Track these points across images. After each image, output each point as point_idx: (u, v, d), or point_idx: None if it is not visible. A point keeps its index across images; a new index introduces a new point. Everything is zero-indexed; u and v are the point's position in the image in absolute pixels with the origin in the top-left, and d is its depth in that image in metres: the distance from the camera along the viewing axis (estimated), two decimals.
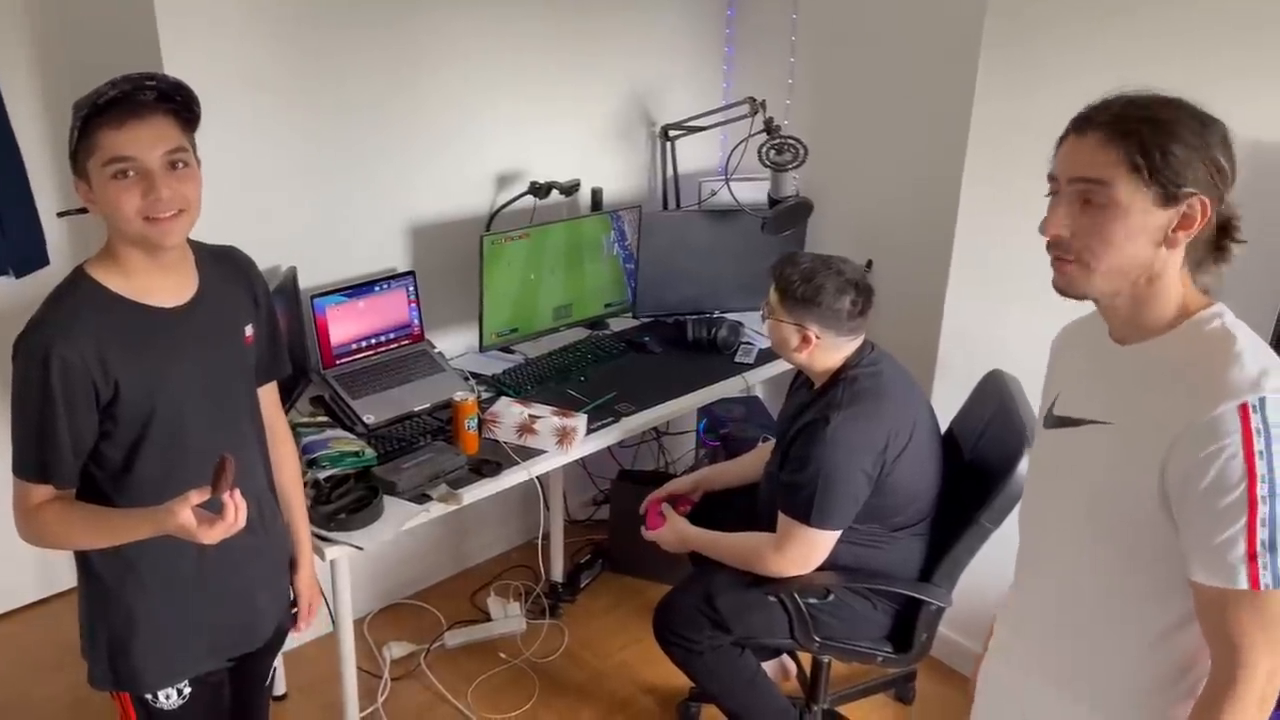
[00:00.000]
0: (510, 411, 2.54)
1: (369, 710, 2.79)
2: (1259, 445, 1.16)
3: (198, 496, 1.43)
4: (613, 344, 3.15)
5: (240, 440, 1.71)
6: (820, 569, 2.28)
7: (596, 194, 3.23)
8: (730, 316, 3.24)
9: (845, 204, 3.24)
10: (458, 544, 3.43)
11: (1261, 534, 1.16)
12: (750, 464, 2.69)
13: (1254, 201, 1.31)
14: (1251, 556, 1.17)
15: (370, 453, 2.39)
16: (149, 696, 1.70)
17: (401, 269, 2.90)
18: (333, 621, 2.34)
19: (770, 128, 3.06)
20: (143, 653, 1.67)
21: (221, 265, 1.72)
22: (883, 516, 2.28)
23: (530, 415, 2.53)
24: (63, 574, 3.15)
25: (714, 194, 3.39)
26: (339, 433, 2.46)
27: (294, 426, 2.28)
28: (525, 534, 3.55)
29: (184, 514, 1.42)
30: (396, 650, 3.02)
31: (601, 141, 3.30)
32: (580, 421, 2.55)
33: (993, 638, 1.60)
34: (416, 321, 2.89)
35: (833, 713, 2.72)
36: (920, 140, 2.98)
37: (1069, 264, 1.28)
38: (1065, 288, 1.30)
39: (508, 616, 3.18)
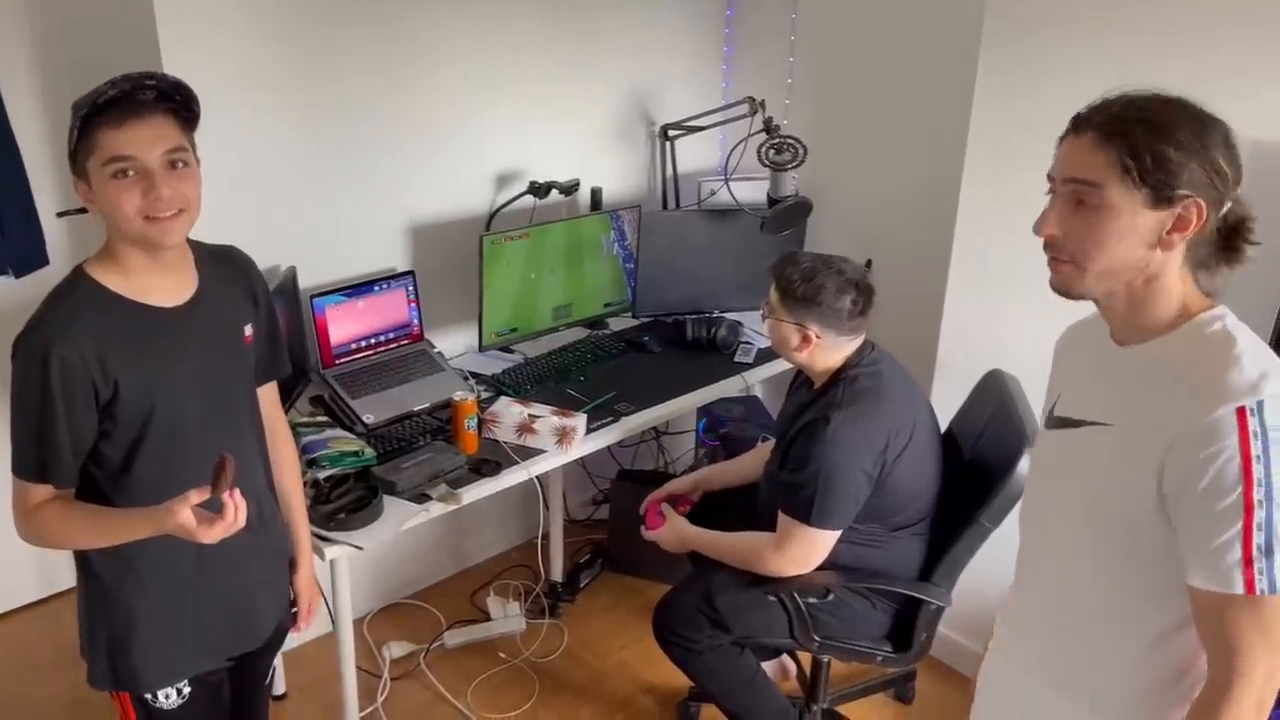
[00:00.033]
0: (510, 411, 2.54)
1: (369, 710, 2.79)
2: (1256, 449, 1.15)
3: (197, 496, 1.43)
4: (612, 344, 3.15)
5: (240, 440, 1.71)
6: (820, 568, 2.28)
7: (596, 194, 3.23)
8: (730, 316, 3.24)
9: (845, 204, 3.24)
10: (457, 544, 3.43)
11: (1258, 538, 1.16)
12: (750, 464, 2.69)
13: (1254, 201, 1.30)
14: (1248, 561, 1.16)
15: (370, 452, 2.39)
16: (148, 696, 1.70)
17: (401, 269, 2.90)
18: (332, 621, 2.34)
19: (769, 127, 3.06)
20: (142, 652, 1.67)
21: (221, 265, 1.72)
22: (883, 516, 2.28)
23: (530, 415, 2.53)
24: (62, 574, 3.15)
25: (713, 194, 3.39)
26: (338, 432, 2.46)
27: (293, 426, 2.28)
28: (525, 534, 3.55)
29: (184, 513, 1.42)
30: (396, 650, 3.02)
31: (601, 141, 3.30)
32: (580, 421, 2.55)
33: (993, 638, 1.60)
34: (416, 321, 2.89)
35: (832, 712, 2.72)
36: (920, 140, 2.98)
37: (1064, 264, 1.28)
38: (1061, 288, 1.30)
39: (507, 616, 3.18)
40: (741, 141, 3.13)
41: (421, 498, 2.30)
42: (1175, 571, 1.24)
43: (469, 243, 2.89)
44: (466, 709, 2.85)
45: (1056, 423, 1.43)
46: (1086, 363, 1.42)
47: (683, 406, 2.87)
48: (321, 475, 2.28)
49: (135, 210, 1.47)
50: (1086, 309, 1.38)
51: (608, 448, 2.88)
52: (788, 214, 3.08)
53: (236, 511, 1.45)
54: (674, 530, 2.51)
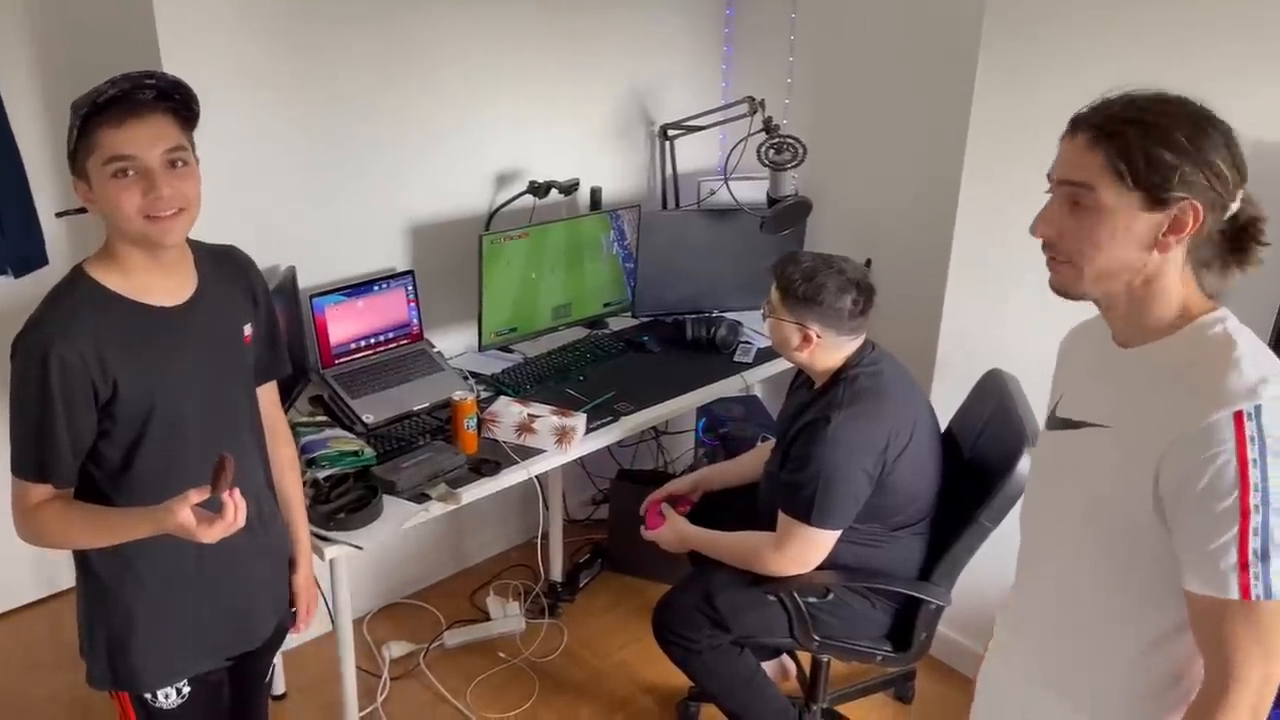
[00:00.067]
0: (509, 411, 2.54)
1: (368, 710, 2.79)
2: (1252, 454, 1.15)
3: (197, 495, 1.43)
4: (612, 343, 3.15)
5: (239, 440, 1.71)
6: (820, 568, 2.28)
7: (595, 193, 3.23)
8: (729, 316, 3.24)
9: (844, 203, 3.24)
10: (457, 543, 3.43)
11: (1254, 543, 1.15)
12: (749, 463, 2.69)
13: None
14: (1243, 566, 1.15)
15: (369, 452, 2.38)
16: (148, 696, 1.70)
17: (400, 268, 2.90)
18: (332, 621, 2.34)
19: (769, 127, 3.06)
20: (141, 652, 1.67)
21: (221, 265, 1.72)
22: (883, 516, 2.28)
23: (529, 415, 2.53)
24: (62, 573, 3.15)
25: (713, 193, 3.39)
26: (338, 432, 2.46)
27: (293, 426, 2.28)
28: (524, 533, 3.55)
29: (183, 513, 1.42)
30: (396, 650, 3.02)
31: (601, 141, 3.30)
32: (579, 421, 2.55)
33: (993, 638, 1.60)
34: (415, 321, 2.89)
35: (832, 712, 2.72)
36: (920, 139, 2.98)
37: (1062, 265, 1.28)
38: (1060, 288, 1.30)
39: (507, 616, 3.18)
40: (741, 141, 3.13)
41: (421, 497, 2.30)
42: (1173, 575, 1.23)
43: (468, 242, 2.89)
44: (466, 709, 2.85)
45: (1058, 423, 1.42)
46: (1089, 364, 1.42)
47: (682, 406, 2.87)
48: (321, 475, 2.28)
49: (136, 209, 1.47)
50: (1087, 309, 1.37)
51: (607, 447, 2.88)
52: (787, 214, 3.08)
53: (236, 511, 1.45)
54: (674, 530, 2.51)
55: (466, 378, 2.82)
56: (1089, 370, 1.41)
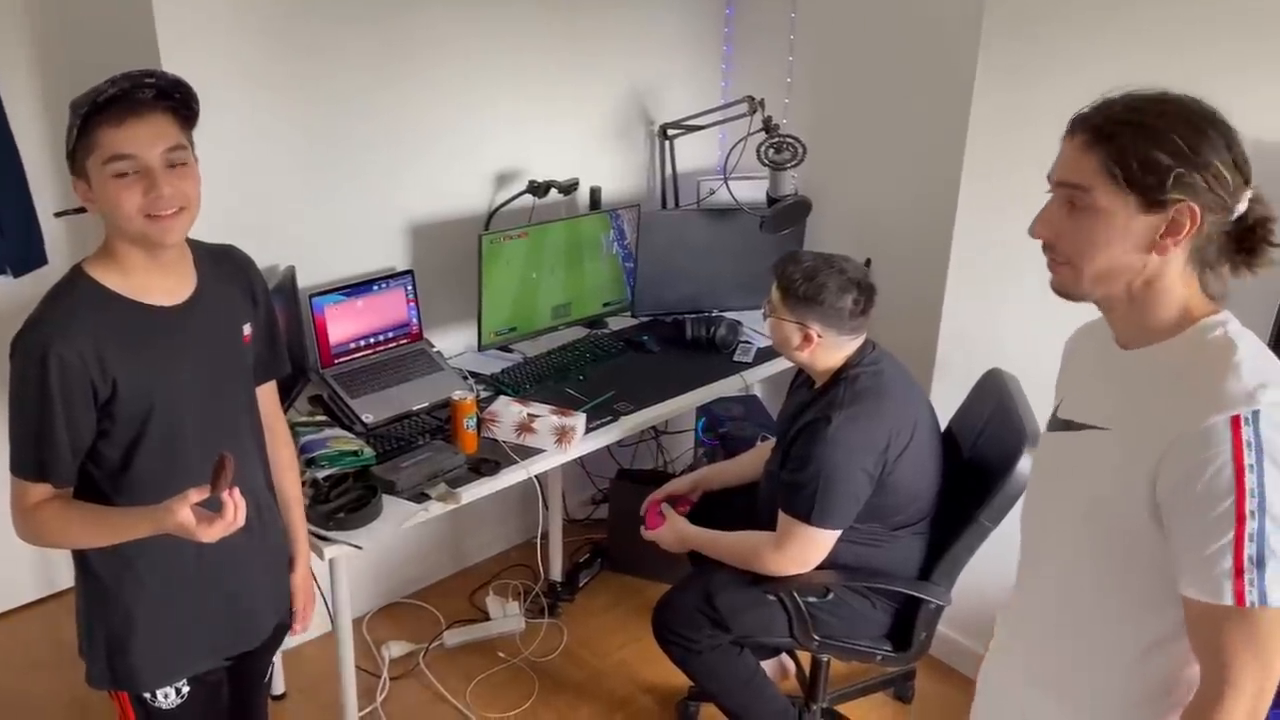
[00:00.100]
0: (509, 410, 2.54)
1: (368, 710, 2.79)
2: (1249, 459, 1.14)
3: (197, 495, 1.43)
4: (611, 343, 3.15)
5: (238, 439, 1.71)
6: (820, 568, 2.28)
7: (595, 193, 3.23)
8: (729, 315, 3.24)
9: (844, 202, 3.24)
10: (456, 543, 3.43)
11: (1249, 549, 1.14)
12: (749, 463, 2.69)
13: None
14: (1238, 572, 1.14)
15: (369, 452, 2.38)
16: (147, 695, 1.70)
17: (400, 268, 2.89)
18: (332, 621, 2.33)
19: (769, 126, 3.06)
20: (141, 651, 1.67)
21: (220, 264, 1.72)
22: (883, 515, 2.28)
23: (529, 414, 2.53)
24: (62, 573, 3.15)
25: (712, 193, 3.39)
26: (338, 432, 2.46)
27: (292, 425, 2.28)
28: (524, 533, 3.55)
29: (183, 512, 1.42)
30: (395, 649, 3.02)
31: (600, 140, 3.30)
32: (579, 420, 2.55)
33: (994, 638, 1.60)
34: (415, 320, 2.89)
35: (832, 711, 2.72)
36: (919, 139, 2.98)
37: (1061, 266, 1.28)
38: (1060, 289, 1.30)
39: (506, 616, 3.18)
40: (741, 140, 3.13)
41: (421, 497, 2.30)
42: (1171, 579, 1.22)
43: (468, 242, 2.89)
44: (466, 709, 2.85)
45: (1059, 425, 1.42)
46: (1091, 365, 1.41)
47: (682, 406, 2.87)
48: (320, 475, 2.28)
49: (136, 209, 1.47)
50: (1088, 309, 1.37)
51: (607, 447, 2.88)
52: (787, 213, 3.08)
53: (236, 510, 1.45)
54: (673, 530, 2.51)
55: (466, 377, 2.82)
56: (1091, 371, 1.41)
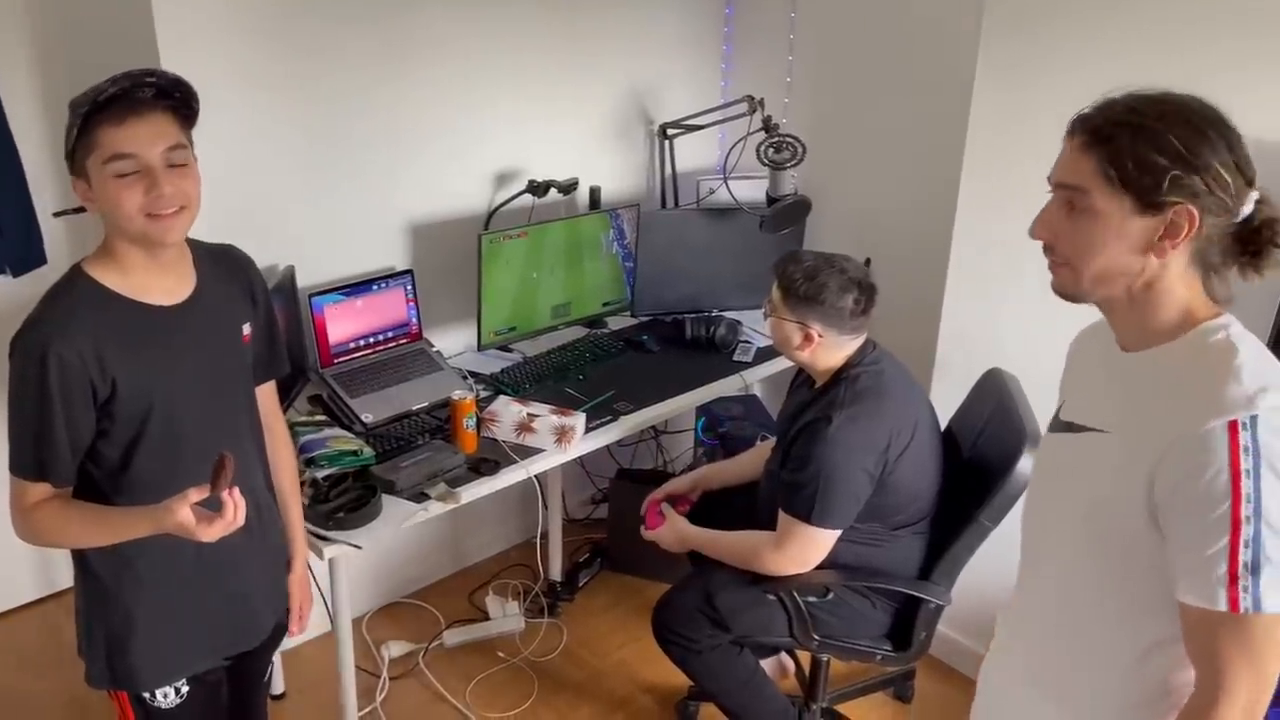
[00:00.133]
0: (509, 410, 2.54)
1: (367, 709, 2.79)
2: (1246, 464, 1.13)
3: (197, 494, 1.43)
4: (611, 343, 3.14)
5: (238, 439, 1.71)
6: (819, 567, 2.28)
7: (595, 192, 3.23)
8: (729, 315, 3.24)
9: (844, 202, 3.24)
10: (456, 543, 3.43)
11: (1244, 555, 1.13)
12: (749, 463, 2.69)
13: None
14: (1233, 578, 1.14)
15: (368, 451, 2.38)
16: (146, 695, 1.70)
17: (400, 268, 2.89)
18: (331, 621, 2.33)
19: (768, 126, 3.06)
20: (140, 651, 1.66)
21: (219, 264, 1.72)
22: (883, 515, 2.28)
23: (529, 414, 2.53)
24: (61, 573, 3.15)
25: (712, 192, 3.39)
26: (337, 431, 2.46)
27: (292, 425, 2.29)
28: (524, 533, 3.55)
29: (183, 512, 1.42)
30: (395, 649, 3.01)
31: (600, 140, 3.30)
32: (579, 420, 2.55)
33: (994, 638, 1.60)
34: (414, 320, 2.89)
35: (832, 711, 2.72)
36: (919, 138, 2.98)
37: (1061, 267, 1.28)
38: (1061, 291, 1.30)
39: (506, 615, 3.18)
40: (740, 140, 3.13)
41: (420, 497, 2.30)
42: (1169, 583, 1.22)
43: (467, 242, 2.89)
44: (465, 708, 2.85)
45: (1060, 426, 1.41)
46: (1093, 367, 1.41)
47: (681, 405, 2.86)
48: (320, 474, 2.28)
49: (137, 208, 1.47)
50: (1088, 309, 1.37)
51: (606, 447, 2.88)
52: (787, 213, 3.08)
53: (236, 510, 1.45)
54: (673, 529, 2.51)
55: (465, 377, 2.82)
56: (1093, 373, 1.40)
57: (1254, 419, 1.13)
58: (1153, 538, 1.22)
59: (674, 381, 2.90)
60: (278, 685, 2.84)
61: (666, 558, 2.61)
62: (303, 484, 2.17)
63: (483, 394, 2.73)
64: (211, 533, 1.44)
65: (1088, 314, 1.39)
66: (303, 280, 2.67)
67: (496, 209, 3.03)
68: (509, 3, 2.91)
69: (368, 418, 2.56)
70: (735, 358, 3.08)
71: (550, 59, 3.07)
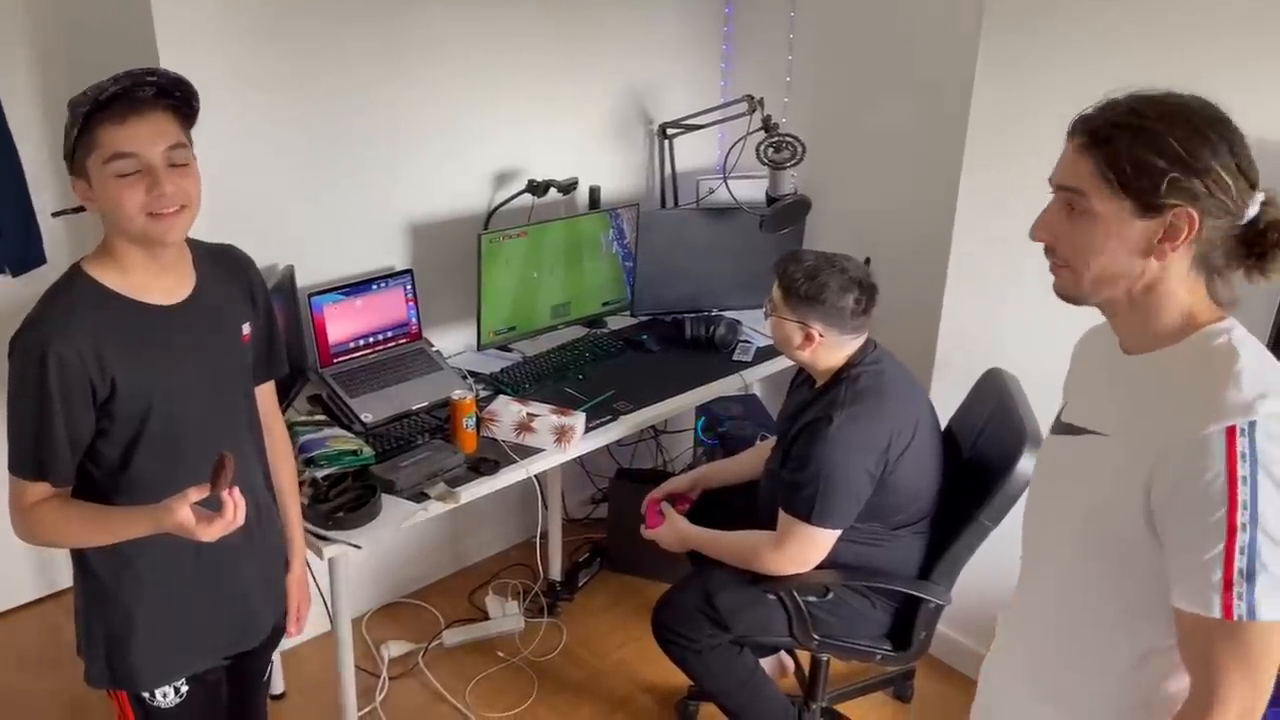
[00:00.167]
0: (508, 410, 2.54)
1: (367, 709, 2.79)
2: (1242, 471, 1.12)
3: (196, 494, 1.43)
4: (611, 342, 3.14)
5: (237, 438, 1.71)
6: (819, 567, 2.28)
7: (594, 192, 3.22)
8: (728, 314, 3.24)
9: (843, 201, 3.24)
10: (456, 543, 3.43)
11: (1239, 562, 1.12)
12: (748, 462, 2.69)
13: None
14: (1227, 585, 1.13)
15: (368, 451, 2.38)
16: (146, 695, 1.70)
17: (399, 267, 2.89)
18: (331, 621, 2.33)
19: (768, 125, 3.06)
20: (139, 651, 1.66)
21: (219, 263, 1.72)
22: (884, 515, 2.28)
23: (528, 414, 2.53)
24: (61, 573, 3.15)
25: (712, 192, 3.39)
26: (337, 431, 2.46)
27: (291, 425, 2.29)
28: (523, 532, 3.55)
29: (182, 511, 1.42)
30: (395, 649, 3.01)
31: (600, 140, 3.30)
32: (578, 420, 2.55)
33: (995, 638, 1.60)
34: (414, 320, 2.89)
35: (831, 711, 2.72)
36: (919, 137, 2.98)
37: (1061, 269, 1.27)
38: (1062, 293, 1.29)
39: (506, 615, 3.18)
40: (740, 140, 3.13)
41: (420, 496, 2.30)
42: (1165, 588, 1.21)
43: (467, 241, 2.89)
44: (465, 708, 2.85)
45: (1062, 428, 1.41)
46: (1096, 370, 1.40)
47: (681, 405, 2.86)
48: (320, 474, 2.27)
49: (139, 207, 1.47)
50: (1088, 309, 1.36)
51: (606, 446, 2.88)
52: (786, 212, 3.08)
53: (236, 509, 1.45)
54: (673, 529, 2.51)
55: (465, 377, 2.82)
56: (1096, 375, 1.40)
57: (1252, 425, 1.12)
58: (1150, 542, 1.21)
59: (674, 381, 2.90)
60: (277, 685, 2.84)
61: (666, 557, 2.61)
62: (302, 484, 2.17)
63: (482, 394, 2.73)
64: (211, 532, 1.44)
65: (1087, 314, 1.39)
66: (302, 280, 2.67)
67: (496, 208, 3.03)
68: (509, 2, 2.91)
69: (367, 417, 2.56)
70: (735, 357, 3.08)
71: (550, 59, 3.07)
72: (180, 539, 1.46)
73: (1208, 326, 1.23)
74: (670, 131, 3.34)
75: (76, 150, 1.48)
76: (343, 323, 2.72)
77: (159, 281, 1.59)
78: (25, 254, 2.75)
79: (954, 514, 2.31)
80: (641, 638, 2.94)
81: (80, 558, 1.64)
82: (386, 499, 2.26)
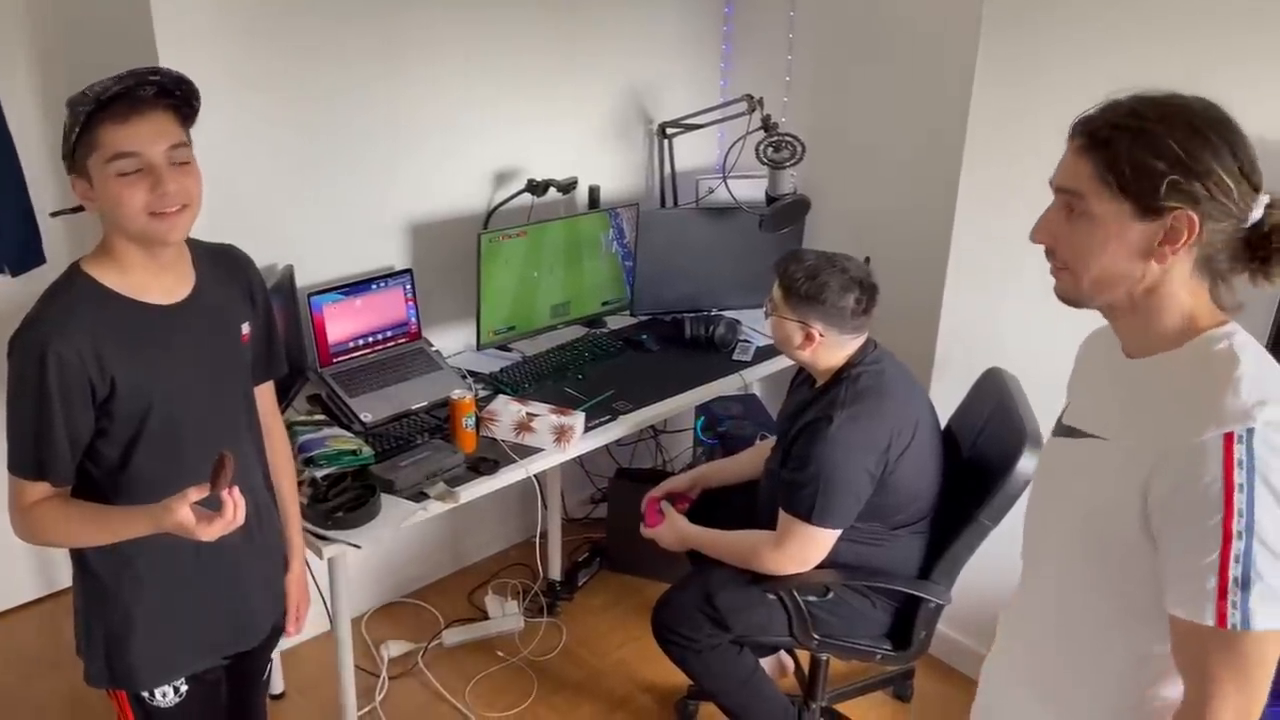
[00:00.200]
0: (508, 409, 2.54)
1: (367, 709, 2.79)
2: (1239, 478, 1.11)
3: (196, 493, 1.42)
4: (610, 342, 3.14)
5: (237, 438, 1.71)
6: (819, 566, 2.28)
7: (594, 192, 3.22)
8: (728, 314, 3.24)
9: (843, 201, 3.24)
10: (455, 542, 3.43)
11: (1234, 570, 1.11)
12: (748, 461, 2.69)
13: None
14: (1222, 592, 1.12)
15: (368, 451, 2.38)
16: (145, 694, 1.70)
17: (399, 267, 2.89)
18: (330, 620, 2.33)
19: (768, 125, 3.06)
20: (139, 650, 1.66)
21: (219, 263, 1.72)
22: (884, 514, 2.28)
23: (528, 413, 2.53)
24: (61, 572, 3.15)
25: (711, 192, 3.38)
26: (336, 431, 2.46)
27: (291, 425, 2.29)
28: (523, 532, 3.55)
29: (182, 511, 1.42)
30: (394, 649, 3.01)
31: (599, 139, 3.30)
32: (578, 419, 2.55)
33: (995, 638, 1.60)
34: (414, 319, 2.89)
35: (831, 710, 2.72)
36: (918, 137, 2.98)
37: (1061, 271, 1.27)
38: (1062, 295, 1.29)
39: (505, 615, 3.17)
40: (740, 139, 3.13)
41: (419, 496, 2.30)
42: (1162, 592, 1.21)
43: (467, 241, 2.89)
44: (465, 708, 2.85)
45: (1063, 430, 1.41)
46: (1097, 372, 1.40)
47: (681, 405, 2.86)
48: (319, 474, 2.27)
49: (141, 206, 1.46)
50: (1088, 310, 1.36)
51: (606, 446, 2.88)
52: (786, 212, 3.08)
53: (235, 509, 1.45)
54: (673, 528, 2.51)
55: (465, 376, 2.82)
56: (1097, 378, 1.39)
57: (1250, 431, 1.12)
58: (1147, 547, 1.21)
59: (673, 381, 2.90)
60: (277, 685, 2.84)
61: (666, 557, 2.61)
62: (301, 483, 2.17)
63: (482, 393, 2.73)
64: (211, 532, 1.44)
65: (1087, 313, 1.38)
66: (302, 280, 2.67)
67: (496, 208, 3.03)
68: (509, 2, 2.91)
69: (367, 417, 2.56)
70: (734, 357, 3.08)
71: (550, 58, 3.07)
72: (180, 539, 1.45)
73: (1209, 331, 1.22)
74: (670, 131, 3.34)
75: (77, 150, 1.47)
76: (342, 322, 2.72)
77: (158, 281, 1.58)
78: (24, 254, 2.75)
79: (954, 514, 2.31)
80: (641, 637, 2.94)
81: (80, 557, 1.64)
82: (386, 499, 2.26)
